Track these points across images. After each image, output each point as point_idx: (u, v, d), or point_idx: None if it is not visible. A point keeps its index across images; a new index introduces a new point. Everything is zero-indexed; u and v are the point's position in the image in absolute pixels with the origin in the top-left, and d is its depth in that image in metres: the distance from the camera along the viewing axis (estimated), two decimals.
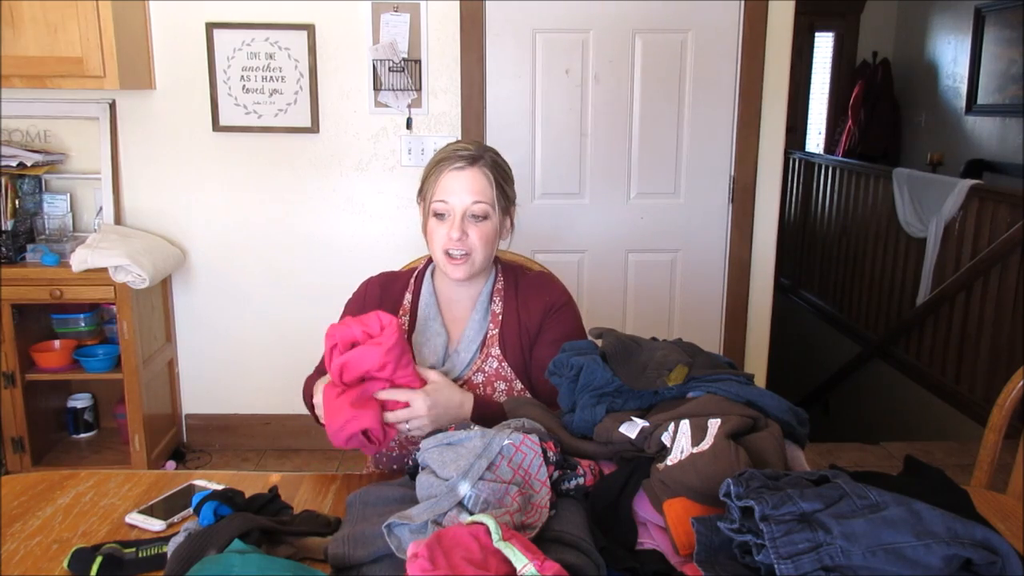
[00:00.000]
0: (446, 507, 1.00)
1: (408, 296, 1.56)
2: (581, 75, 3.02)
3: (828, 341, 5.12)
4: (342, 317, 1.47)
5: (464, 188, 1.42)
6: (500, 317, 1.52)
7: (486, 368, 1.49)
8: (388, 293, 1.57)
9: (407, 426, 1.29)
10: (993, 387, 3.46)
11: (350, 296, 1.60)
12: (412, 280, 1.58)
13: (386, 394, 1.27)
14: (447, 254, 1.45)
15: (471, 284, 1.53)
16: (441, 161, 1.46)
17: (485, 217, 1.44)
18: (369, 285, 1.59)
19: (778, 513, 0.86)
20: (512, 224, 1.54)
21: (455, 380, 1.46)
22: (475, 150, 1.46)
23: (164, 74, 2.97)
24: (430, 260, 1.57)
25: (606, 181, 3.10)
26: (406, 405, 1.27)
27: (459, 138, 3.00)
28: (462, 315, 1.54)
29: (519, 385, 1.49)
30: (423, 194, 1.50)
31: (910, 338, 4.20)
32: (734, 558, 0.91)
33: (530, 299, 1.54)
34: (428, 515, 0.99)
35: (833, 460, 3.18)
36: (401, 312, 1.54)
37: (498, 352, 1.49)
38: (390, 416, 1.27)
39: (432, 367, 1.44)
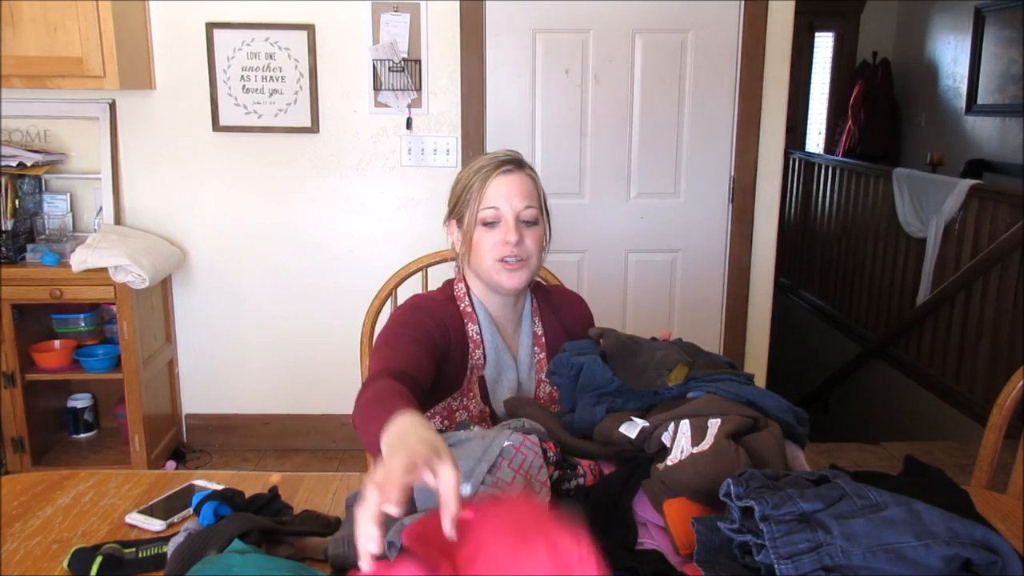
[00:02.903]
0: None
1: (472, 327, 1.39)
2: (581, 75, 3.02)
3: (828, 341, 5.12)
4: (391, 341, 1.25)
5: (515, 192, 1.34)
6: (543, 339, 1.46)
7: (541, 394, 1.43)
8: (454, 325, 1.36)
9: None
10: (993, 387, 3.46)
11: (398, 321, 1.32)
12: (468, 306, 1.41)
13: None
14: (501, 262, 1.34)
15: (516, 303, 1.44)
16: (482, 168, 1.36)
17: (535, 223, 1.37)
18: (441, 311, 1.35)
19: (778, 513, 0.86)
20: (550, 233, 1.45)
21: None
22: (515, 155, 1.39)
23: (164, 74, 2.97)
24: (465, 283, 1.44)
25: (606, 181, 3.09)
26: None
27: (459, 139, 3.01)
28: (512, 339, 1.44)
29: None
30: (460, 208, 1.38)
31: (910, 338, 4.20)
32: (734, 558, 0.91)
33: (573, 312, 1.50)
34: None
35: (833, 460, 3.18)
36: (472, 346, 1.38)
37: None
38: None
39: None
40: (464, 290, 1.42)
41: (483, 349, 1.39)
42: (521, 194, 1.35)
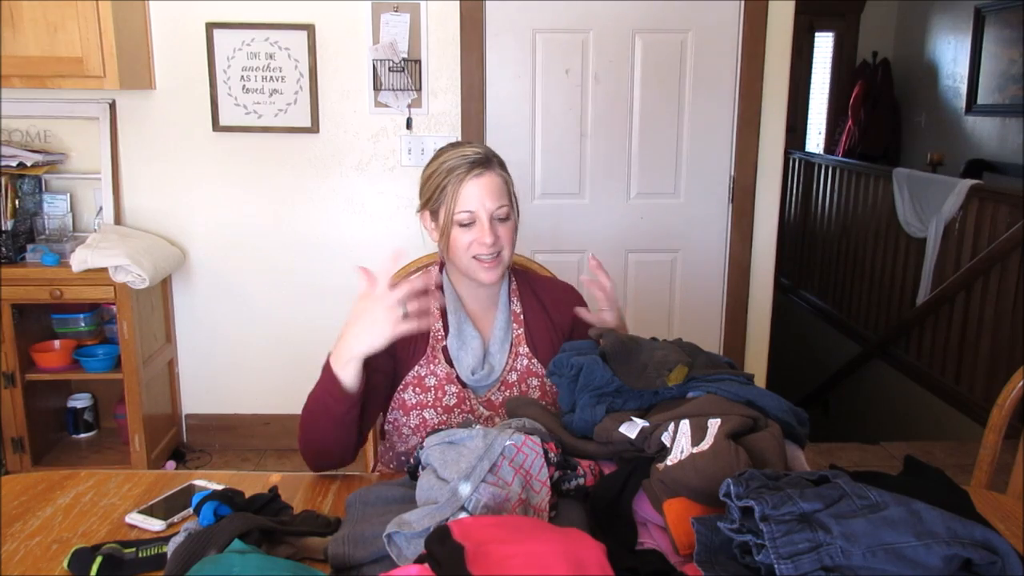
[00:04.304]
0: (448, 514, 0.99)
1: (434, 304, 1.53)
2: (581, 75, 3.02)
3: (828, 341, 5.12)
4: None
5: (487, 194, 1.42)
6: (522, 317, 1.56)
7: (518, 367, 1.53)
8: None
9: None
10: (993, 387, 3.46)
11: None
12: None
13: None
14: (476, 259, 1.44)
15: (492, 284, 1.53)
16: (454, 170, 1.42)
17: (507, 218, 1.46)
18: None
19: (778, 513, 0.86)
20: (519, 218, 1.55)
21: (495, 380, 1.50)
22: (483, 152, 1.45)
23: (164, 74, 2.97)
24: (441, 265, 1.56)
25: (606, 181, 3.09)
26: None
27: (458, 138, 3.00)
28: (484, 316, 1.55)
29: (549, 381, 1.50)
30: (434, 205, 1.47)
31: (910, 338, 4.20)
32: (734, 558, 0.91)
33: (557, 299, 1.59)
34: (428, 522, 0.98)
35: (833, 460, 3.18)
36: (432, 320, 1.50)
37: (526, 351, 1.53)
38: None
39: (473, 371, 1.48)
40: (436, 273, 1.55)
41: (443, 321, 1.52)
42: (493, 195, 1.43)
